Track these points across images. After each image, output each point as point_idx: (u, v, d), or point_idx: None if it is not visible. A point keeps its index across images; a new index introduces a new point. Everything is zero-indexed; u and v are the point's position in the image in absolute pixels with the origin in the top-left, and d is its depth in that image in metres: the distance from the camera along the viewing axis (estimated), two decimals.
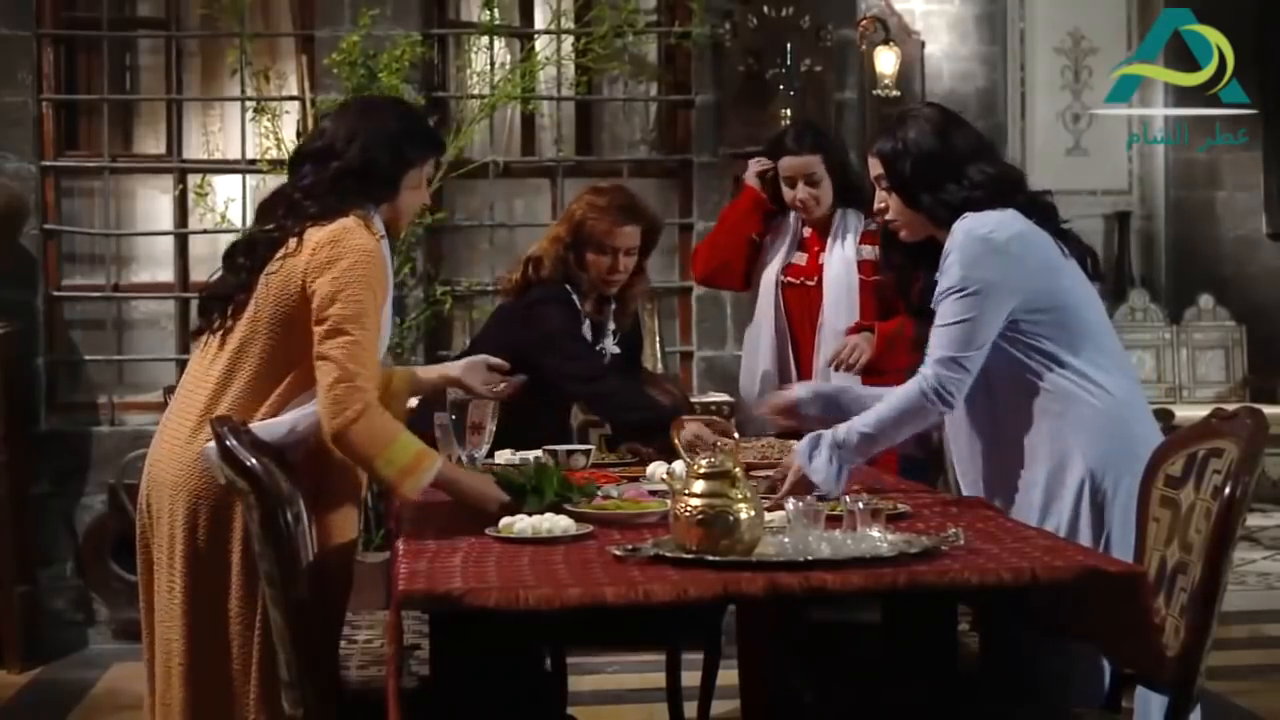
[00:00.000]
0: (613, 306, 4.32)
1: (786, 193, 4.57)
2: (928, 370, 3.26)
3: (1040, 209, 3.40)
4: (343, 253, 3.04)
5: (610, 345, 4.30)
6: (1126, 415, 3.31)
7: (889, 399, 3.32)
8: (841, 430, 3.30)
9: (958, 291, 3.25)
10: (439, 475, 3.13)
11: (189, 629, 3.05)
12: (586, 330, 4.24)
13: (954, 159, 3.35)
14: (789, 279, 4.62)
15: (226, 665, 3.05)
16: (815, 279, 4.58)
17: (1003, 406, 3.34)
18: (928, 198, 3.35)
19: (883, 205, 3.46)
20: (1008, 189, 3.37)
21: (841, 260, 4.55)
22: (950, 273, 3.27)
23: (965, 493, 3.48)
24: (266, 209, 3.22)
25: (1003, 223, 3.29)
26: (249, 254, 3.15)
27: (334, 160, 3.15)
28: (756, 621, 3.38)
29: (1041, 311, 3.27)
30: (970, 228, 3.28)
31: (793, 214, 4.66)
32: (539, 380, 3.96)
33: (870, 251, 4.48)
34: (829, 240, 4.60)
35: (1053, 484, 3.28)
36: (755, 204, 4.68)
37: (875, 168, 3.45)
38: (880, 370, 4.36)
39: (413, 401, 4.68)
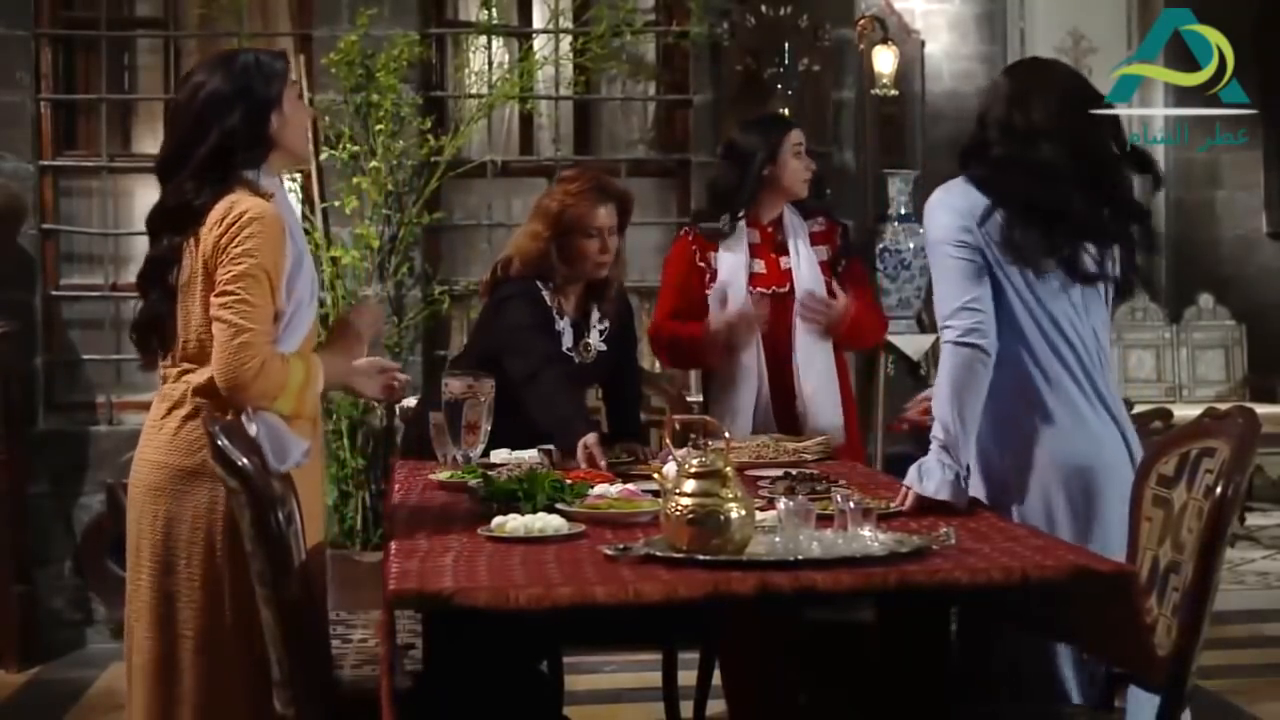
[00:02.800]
0: (594, 301, 4.29)
1: (794, 165, 4.48)
2: (948, 333, 3.24)
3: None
4: (229, 222, 3.02)
5: (597, 342, 4.28)
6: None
7: (935, 383, 3.31)
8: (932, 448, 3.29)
9: (928, 252, 3.34)
10: (318, 367, 3.18)
11: (159, 631, 3.07)
12: (565, 326, 4.22)
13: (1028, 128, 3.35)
14: (758, 289, 4.47)
15: (198, 666, 3.05)
16: (786, 285, 4.47)
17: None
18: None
19: None
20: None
21: (809, 264, 4.47)
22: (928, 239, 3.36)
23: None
24: (155, 226, 3.16)
25: (953, 185, 3.35)
26: (157, 277, 3.12)
27: (197, 148, 3.08)
28: (743, 623, 3.37)
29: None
30: (936, 196, 3.37)
31: (740, 225, 4.50)
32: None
33: (823, 253, 4.51)
34: (790, 243, 4.51)
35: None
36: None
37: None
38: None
39: (411, 400, 4.69)
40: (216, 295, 3.00)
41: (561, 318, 4.22)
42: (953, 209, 3.29)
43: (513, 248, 4.30)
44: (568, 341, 4.22)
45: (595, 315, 4.29)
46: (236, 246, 3.00)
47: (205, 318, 3.05)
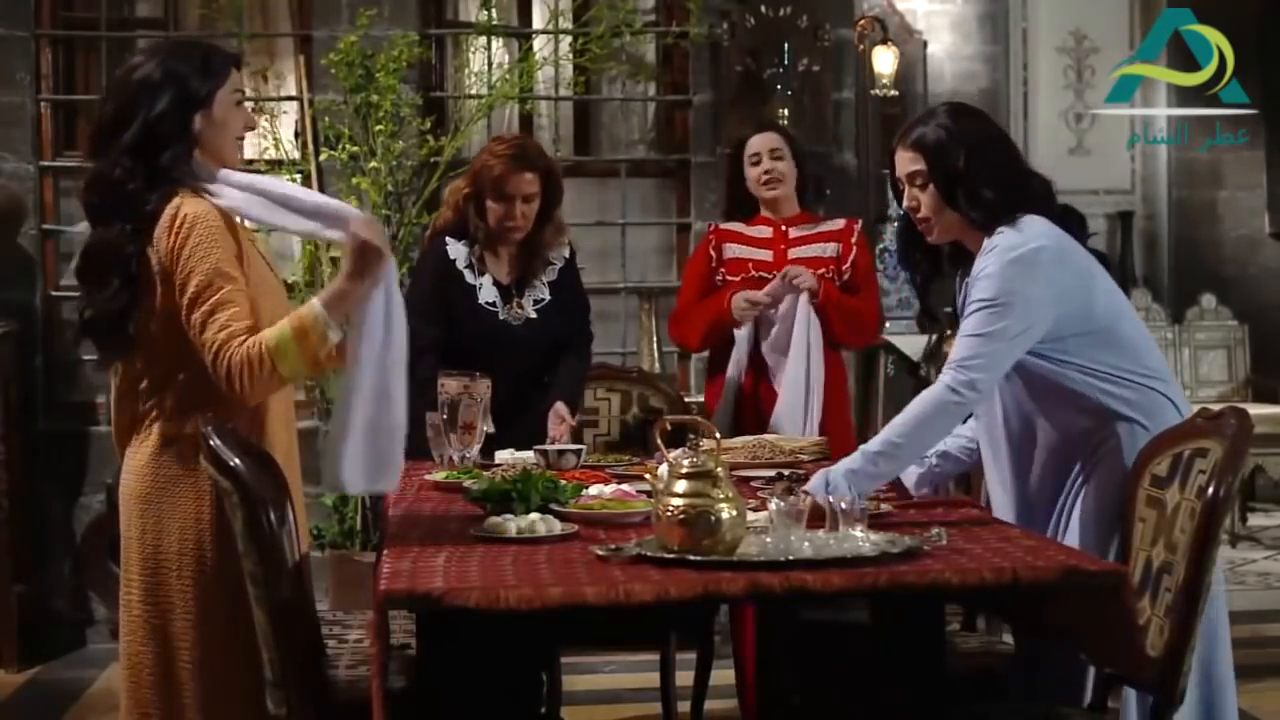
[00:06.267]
0: (528, 262, 4.36)
1: (750, 172, 4.69)
2: (947, 374, 3.15)
3: (1074, 219, 3.37)
4: (176, 229, 2.95)
5: (529, 309, 4.33)
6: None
7: (908, 407, 3.21)
8: (855, 458, 3.18)
9: (988, 304, 3.14)
10: (329, 310, 2.96)
11: (155, 644, 3.05)
12: (484, 282, 4.29)
13: (998, 156, 3.28)
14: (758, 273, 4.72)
15: (189, 672, 3.04)
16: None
17: (1045, 428, 3.25)
18: (965, 195, 3.22)
19: (914, 204, 3.30)
20: (1044, 194, 3.29)
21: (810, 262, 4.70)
22: (982, 286, 3.16)
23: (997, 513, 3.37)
24: (100, 208, 3.04)
25: (1038, 237, 3.18)
26: (117, 267, 3.00)
27: (124, 131, 2.98)
28: (757, 621, 3.37)
29: (1079, 335, 3.17)
30: (1008, 245, 3.17)
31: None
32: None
33: (832, 249, 4.70)
34: (798, 235, 4.74)
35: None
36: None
37: (911, 163, 3.29)
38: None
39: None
40: (189, 310, 2.94)
41: (481, 274, 4.29)
42: (1034, 267, 3.15)
43: (444, 197, 4.47)
44: (487, 296, 4.29)
45: (534, 284, 4.35)
46: (190, 256, 2.94)
47: (165, 324, 2.99)
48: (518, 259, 4.35)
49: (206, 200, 3.02)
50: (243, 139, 3.18)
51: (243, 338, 2.92)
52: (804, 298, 4.57)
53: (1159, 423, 3.14)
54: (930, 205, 3.28)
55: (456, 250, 4.29)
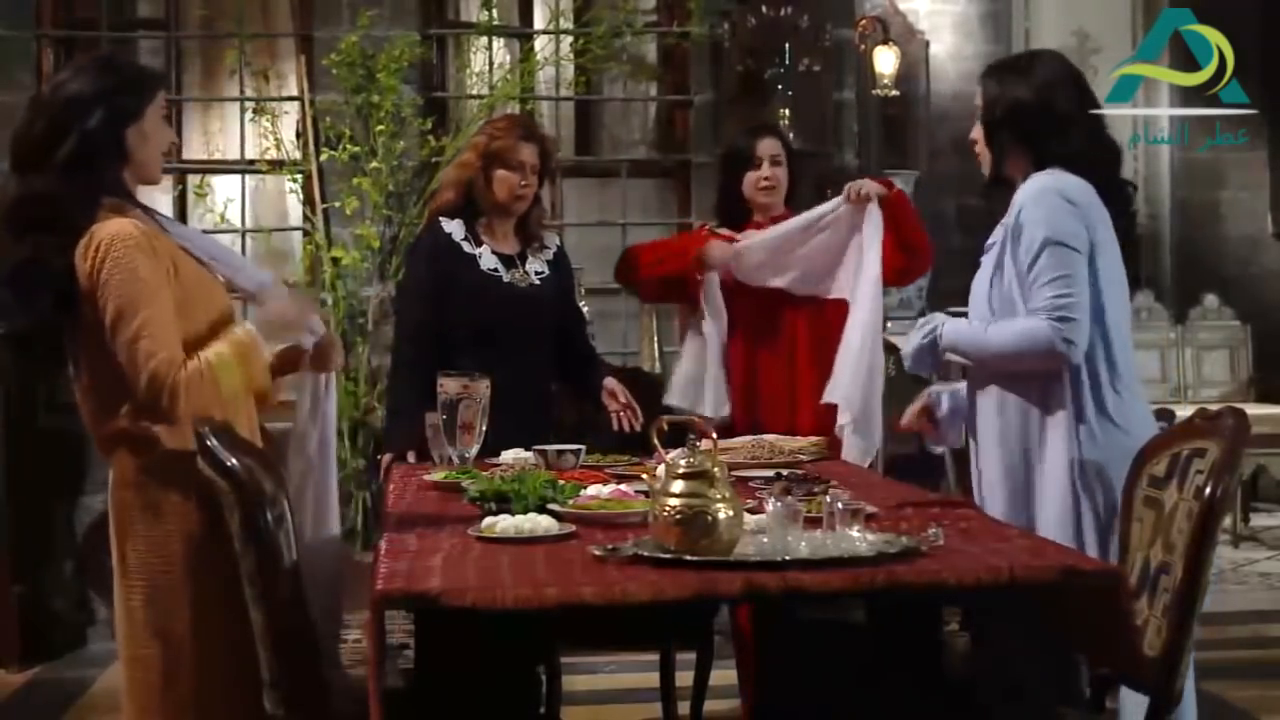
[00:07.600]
0: (524, 238, 4.43)
1: (748, 176, 4.60)
2: (1054, 322, 3.23)
3: (1120, 194, 3.44)
4: (93, 251, 2.93)
5: (534, 275, 4.37)
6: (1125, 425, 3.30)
7: (1015, 323, 3.30)
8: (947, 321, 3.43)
9: (1047, 246, 3.26)
10: (256, 338, 3.09)
11: (157, 646, 3.05)
12: (484, 252, 4.34)
13: (1051, 117, 3.40)
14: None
15: (189, 673, 3.04)
16: None
17: (998, 405, 3.35)
18: (1009, 141, 3.42)
19: (976, 136, 3.52)
20: (1098, 164, 3.41)
21: None
22: (1033, 229, 3.29)
23: (982, 493, 3.46)
24: (24, 224, 2.98)
25: (1074, 184, 3.33)
26: (47, 283, 2.96)
27: (57, 148, 2.95)
28: (756, 621, 3.36)
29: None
30: (1046, 184, 3.33)
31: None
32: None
33: None
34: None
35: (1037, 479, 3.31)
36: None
37: (980, 95, 3.51)
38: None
39: None
40: (112, 337, 2.93)
41: (479, 245, 4.35)
42: (1072, 207, 3.30)
43: (443, 179, 4.55)
44: (489, 264, 4.33)
45: (535, 253, 4.41)
46: (108, 279, 2.92)
47: (98, 342, 2.97)
48: (515, 236, 4.42)
49: (127, 218, 3.00)
50: (168, 154, 3.20)
51: (177, 363, 2.93)
52: (872, 215, 4.47)
53: (1103, 422, 3.26)
54: (982, 139, 3.50)
55: (451, 226, 4.35)
